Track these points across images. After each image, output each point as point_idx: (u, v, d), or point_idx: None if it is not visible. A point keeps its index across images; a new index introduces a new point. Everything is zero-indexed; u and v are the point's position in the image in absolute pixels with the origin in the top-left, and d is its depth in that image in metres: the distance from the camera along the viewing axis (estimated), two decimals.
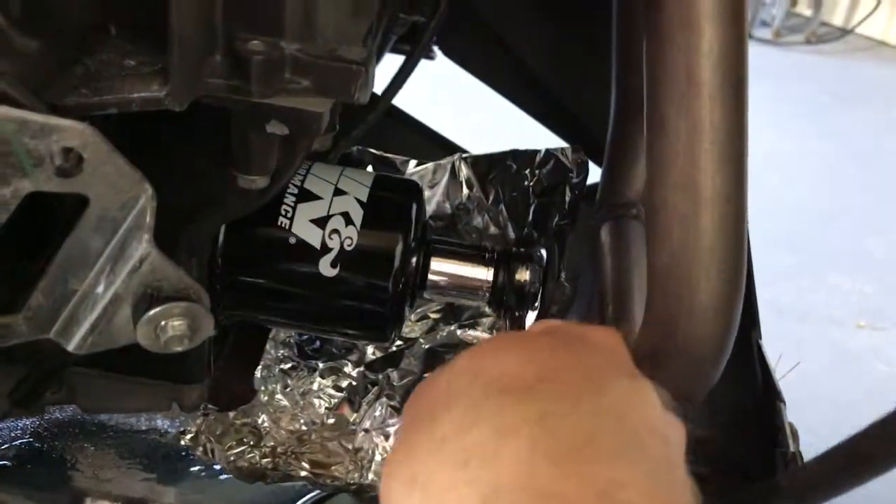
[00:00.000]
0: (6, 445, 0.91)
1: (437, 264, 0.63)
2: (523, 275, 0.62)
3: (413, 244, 0.61)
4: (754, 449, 0.78)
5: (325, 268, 0.58)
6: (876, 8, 3.72)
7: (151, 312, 0.44)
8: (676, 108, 0.48)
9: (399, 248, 0.60)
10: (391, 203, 0.63)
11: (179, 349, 0.46)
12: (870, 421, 0.53)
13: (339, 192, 0.61)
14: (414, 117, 0.93)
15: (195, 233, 0.55)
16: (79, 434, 0.94)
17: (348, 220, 0.59)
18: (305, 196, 0.60)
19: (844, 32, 3.79)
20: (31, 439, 0.93)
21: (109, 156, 0.41)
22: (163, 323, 0.45)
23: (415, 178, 0.86)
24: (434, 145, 0.93)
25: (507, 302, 0.62)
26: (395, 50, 0.79)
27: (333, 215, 0.59)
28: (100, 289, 0.45)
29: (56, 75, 0.45)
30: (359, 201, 0.61)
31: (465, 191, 0.84)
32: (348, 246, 0.58)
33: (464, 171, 0.84)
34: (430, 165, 0.85)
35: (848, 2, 3.83)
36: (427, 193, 0.82)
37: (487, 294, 0.63)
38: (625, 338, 0.52)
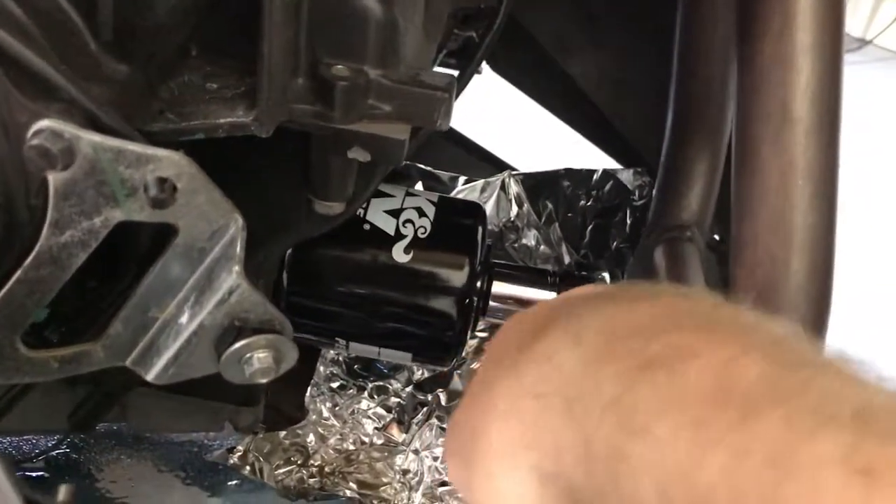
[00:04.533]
0: (43, 456, 0.90)
1: (499, 287, 0.62)
2: None
3: (480, 260, 0.60)
4: None
5: (399, 253, 0.58)
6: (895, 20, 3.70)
7: (237, 345, 0.43)
8: (770, 145, 0.47)
9: (477, 236, 0.59)
10: (461, 205, 0.64)
11: (263, 381, 0.45)
12: None
13: (410, 193, 0.61)
14: (461, 133, 0.92)
15: (265, 257, 0.55)
16: (115, 445, 0.94)
17: (421, 213, 0.60)
18: (378, 194, 0.59)
19: (863, 43, 3.77)
20: (67, 450, 0.92)
21: (203, 186, 0.40)
22: (248, 355, 0.44)
23: (463, 193, 0.85)
24: (481, 162, 0.92)
25: None
26: (441, 63, 0.78)
27: (407, 208, 0.59)
28: (183, 318, 0.44)
29: (143, 100, 0.44)
30: (430, 201, 0.61)
31: (515, 208, 0.84)
32: (422, 234, 0.58)
33: (513, 189, 0.84)
34: (479, 182, 0.85)
35: (867, 13, 3.82)
36: None
37: None
38: None
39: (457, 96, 0.75)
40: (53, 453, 0.91)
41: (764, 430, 0.22)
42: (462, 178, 0.85)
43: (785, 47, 0.46)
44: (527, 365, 0.31)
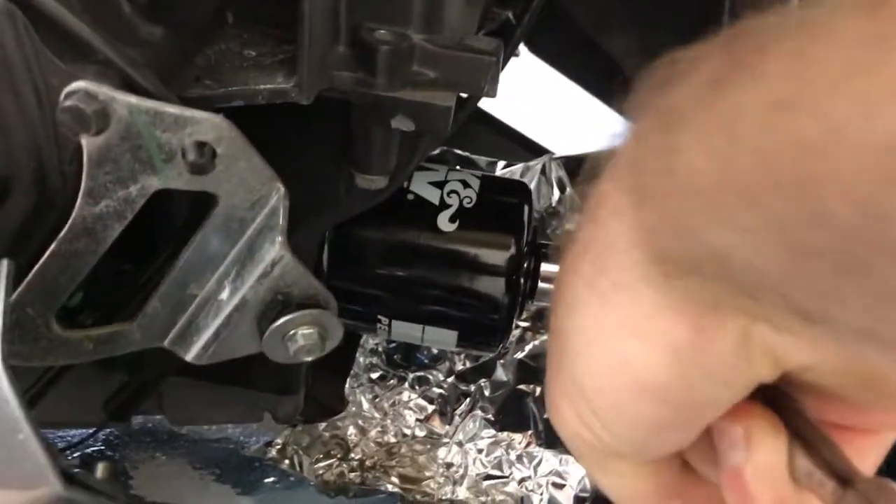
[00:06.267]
0: (78, 453, 0.89)
1: (549, 268, 0.59)
2: None
3: (528, 236, 0.57)
4: None
5: (444, 222, 0.55)
6: None
7: (281, 321, 0.41)
8: None
9: (524, 208, 0.57)
10: (506, 181, 0.64)
11: (308, 360, 0.43)
12: None
13: (453, 170, 0.59)
14: (497, 117, 0.90)
15: (306, 236, 0.52)
16: (150, 442, 0.92)
17: (466, 185, 0.57)
18: (420, 168, 0.58)
19: None
20: (102, 447, 0.91)
21: (244, 151, 0.38)
22: (292, 332, 0.41)
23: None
24: (519, 147, 0.90)
25: None
26: None
27: (451, 180, 0.57)
28: (224, 294, 0.42)
29: (179, 66, 0.42)
30: (475, 176, 0.59)
31: (557, 193, 0.81)
32: (468, 203, 0.56)
33: (555, 172, 0.81)
34: (518, 167, 0.82)
35: None
36: None
37: None
38: None
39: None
40: (89, 451, 0.90)
41: None
42: (501, 163, 0.83)
43: None
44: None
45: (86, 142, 0.36)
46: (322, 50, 0.43)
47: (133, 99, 0.36)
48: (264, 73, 0.43)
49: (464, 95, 0.54)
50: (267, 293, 0.41)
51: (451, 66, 0.45)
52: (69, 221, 0.38)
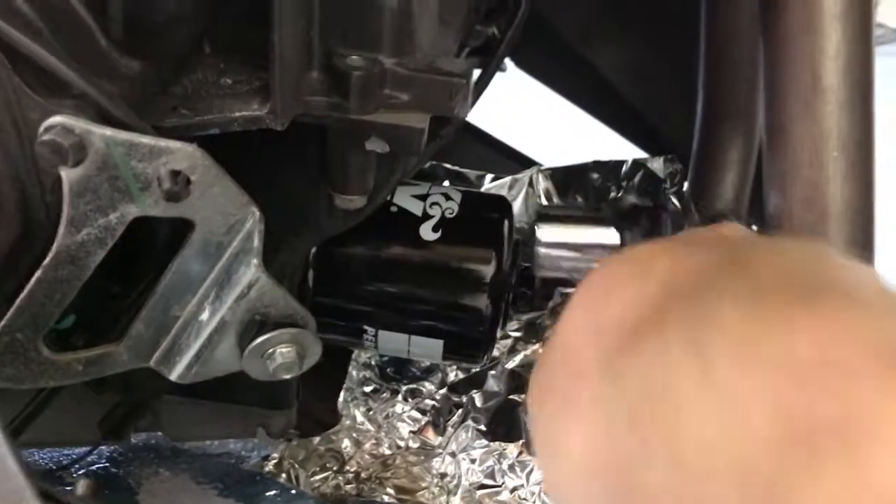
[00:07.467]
0: (83, 471, 0.90)
1: (548, 231, 0.61)
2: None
3: (509, 248, 0.59)
4: None
5: (427, 232, 0.57)
6: None
7: (259, 340, 0.42)
8: (801, 116, 0.45)
9: (505, 215, 0.59)
10: (486, 194, 0.66)
11: (287, 377, 0.44)
12: None
13: (435, 185, 0.61)
14: (485, 131, 0.91)
15: (288, 256, 0.54)
16: (154, 458, 0.93)
17: (448, 198, 0.60)
18: (403, 183, 0.60)
19: None
20: (107, 464, 0.92)
21: (218, 178, 0.40)
22: (271, 350, 0.43)
23: (490, 191, 0.84)
24: (507, 160, 0.91)
25: None
26: None
27: (433, 193, 0.60)
28: (204, 316, 0.43)
29: (156, 97, 0.44)
30: (457, 189, 0.61)
31: (544, 203, 0.82)
32: (450, 214, 0.58)
33: (542, 184, 0.82)
34: (506, 179, 0.83)
35: None
36: None
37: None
38: None
39: (480, 93, 0.74)
40: (94, 468, 0.91)
41: None
42: (489, 176, 0.84)
43: (812, 13, 0.44)
44: (624, 374, 0.26)
45: (65, 173, 0.38)
46: (295, 77, 0.45)
47: (108, 131, 0.38)
48: (240, 100, 0.45)
49: None
50: (245, 314, 0.43)
51: (422, 89, 0.47)
52: (53, 249, 0.40)
